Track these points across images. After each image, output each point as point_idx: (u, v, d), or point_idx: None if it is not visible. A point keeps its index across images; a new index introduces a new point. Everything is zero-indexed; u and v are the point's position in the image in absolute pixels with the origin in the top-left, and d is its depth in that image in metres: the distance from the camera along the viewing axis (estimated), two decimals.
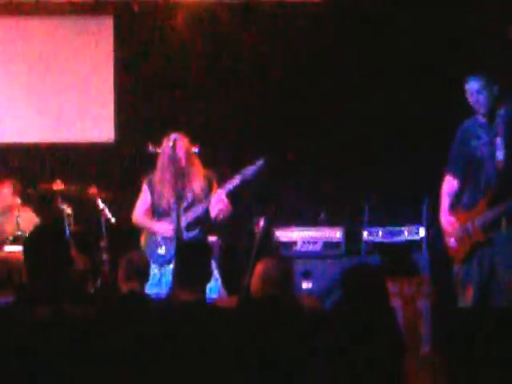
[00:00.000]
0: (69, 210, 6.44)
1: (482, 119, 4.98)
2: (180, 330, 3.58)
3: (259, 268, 4.01)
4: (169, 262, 5.34)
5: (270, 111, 7.60)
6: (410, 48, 7.29)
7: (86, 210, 6.75)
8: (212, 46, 7.67)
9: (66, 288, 3.49)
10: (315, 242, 6.60)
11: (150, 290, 4.85)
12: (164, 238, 5.46)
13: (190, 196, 5.46)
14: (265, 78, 7.63)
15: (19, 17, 7.73)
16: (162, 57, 7.72)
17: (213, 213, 5.44)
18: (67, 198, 6.50)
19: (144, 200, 5.59)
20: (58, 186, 6.51)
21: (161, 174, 5.49)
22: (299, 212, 7.17)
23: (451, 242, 5.04)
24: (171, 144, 5.33)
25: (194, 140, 5.56)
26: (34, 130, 7.71)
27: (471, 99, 4.92)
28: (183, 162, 5.39)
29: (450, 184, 5.12)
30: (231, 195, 5.45)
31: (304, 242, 6.61)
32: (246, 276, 4.87)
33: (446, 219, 5.05)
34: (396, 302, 4.23)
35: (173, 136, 5.39)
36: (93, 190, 6.45)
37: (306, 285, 6.22)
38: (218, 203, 5.40)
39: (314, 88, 7.52)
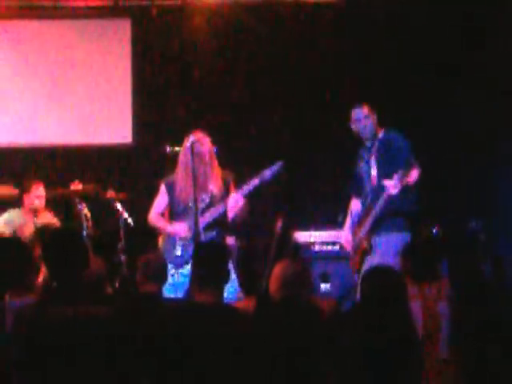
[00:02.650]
0: (87, 212, 6.45)
1: (367, 143, 5.55)
2: (197, 331, 3.57)
3: (277, 269, 4.00)
4: (186, 263, 5.33)
5: (289, 112, 7.59)
6: (426, 48, 7.25)
7: (103, 212, 6.76)
8: (229, 48, 7.67)
9: (84, 289, 3.49)
10: (333, 244, 6.58)
11: (167, 291, 4.85)
12: (181, 239, 5.45)
13: (207, 197, 5.45)
14: (283, 79, 7.62)
15: (38, 20, 7.79)
16: (180, 59, 7.73)
17: (230, 215, 5.43)
18: (85, 199, 6.51)
19: (161, 201, 5.59)
20: (76, 187, 6.53)
21: (180, 173, 5.48)
22: (317, 214, 7.15)
23: (351, 255, 5.57)
24: (189, 144, 5.31)
25: (211, 141, 5.55)
26: (52, 132, 7.74)
27: (357, 126, 5.48)
28: (203, 162, 5.39)
29: (353, 204, 5.70)
30: (250, 197, 5.43)
31: (322, 244, 6.59)
32: (264, 277, 4.86)
33: (344, 237, 5.65)
34: (416, 305, 4.21)
35: (193, 136, 5.37)
36: (111, 192, 6.46)
37: (324, 286, 6.20)
38: (235, 206, 5.39)
39: (331, 89, 7.50)
